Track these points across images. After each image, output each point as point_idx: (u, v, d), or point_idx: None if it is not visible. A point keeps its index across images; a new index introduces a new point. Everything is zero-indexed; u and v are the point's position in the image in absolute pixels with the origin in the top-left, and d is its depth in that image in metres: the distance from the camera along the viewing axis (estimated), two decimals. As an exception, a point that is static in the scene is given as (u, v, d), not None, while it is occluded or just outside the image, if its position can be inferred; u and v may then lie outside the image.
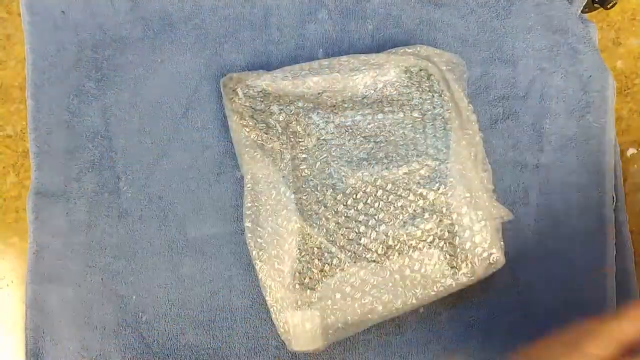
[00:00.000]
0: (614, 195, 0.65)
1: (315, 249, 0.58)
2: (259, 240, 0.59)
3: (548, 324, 0.62)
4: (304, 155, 0.60)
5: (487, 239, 0.58)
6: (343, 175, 0.59)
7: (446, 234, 0.58)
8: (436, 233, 0.58)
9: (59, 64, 0.67)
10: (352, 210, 0.58)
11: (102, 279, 0.63)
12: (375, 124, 0.61)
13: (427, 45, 0.64)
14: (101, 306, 0.63)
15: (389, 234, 0.57)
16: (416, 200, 0.58)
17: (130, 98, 0.66)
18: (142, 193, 0.65)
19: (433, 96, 0.61)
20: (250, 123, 0.61)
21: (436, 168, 0.59)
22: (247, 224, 0.60)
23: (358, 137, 0.61)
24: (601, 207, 0.64)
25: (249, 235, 0.60)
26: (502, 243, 0.59)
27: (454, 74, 0.63)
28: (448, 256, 0.57)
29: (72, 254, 0.63)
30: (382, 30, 0.68)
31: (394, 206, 0.58)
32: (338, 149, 0.60)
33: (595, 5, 0.69)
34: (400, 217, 0.58)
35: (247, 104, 0.62)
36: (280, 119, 0.61)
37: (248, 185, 0.61)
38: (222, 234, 0.64)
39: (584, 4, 0.68)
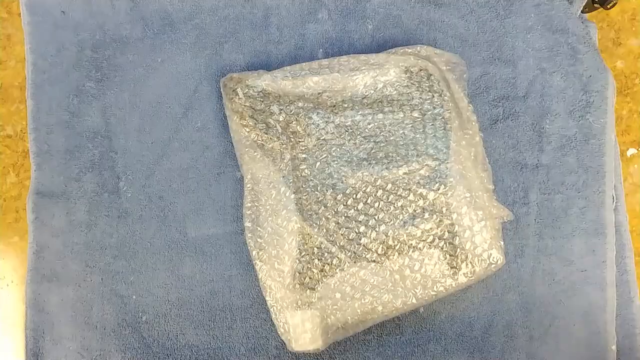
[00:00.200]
0: (614, 195, 0.65)
1: (315, 249, 0.58)
2: (259, 240, 0.59)
3: (548, 324, 0.62)
4: (304, 155, 0.60)
5: (487, 239, 0.58)
6: (343, 175, 0.59)
7: (446, 234, 0.58)
8: (436, 233, 0.58)
9: (59, 64, 0.67)
10: (352, 210, 0.58)
11: (102, 279, 0.63)
12: (375, 124, 0.61)
13: (427, 45, 0.64)
14: (101, 306, 0.63)
15: (389, 234, 0.57)
16: (416, 200, 0.58)
17: (130, 98, 0.66)
18: (142, 193, 0.65)
19: (433, 96, 0.61)
20: (250, 123, 0.61)
21: (436, 168, 0.59)
22: (247, 224, 0.60)
23: (358, 137, 0.61)
24: (601, 207, 0.64)
25: (249, 235, 0.60)
26: (502, 243, 0.59)
27: (454, 74, 0.63)
28: (448, 256, 0.57)
29: (72, 253, 0.63)
30: (382, 30, 0.68)
31: (394, 206, 0.58)
32: (338, 149, 0.60)
33: (595, 5, 0.69)
34: (400, 217, 0.58)
35: (247, 104, 0.62)
36: (280, 119, 0.61)
37: (248, 185, 0.61)
38: (222, 234, 0.64)
39: (584, 4, 0.68)
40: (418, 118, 0.61)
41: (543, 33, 0.68)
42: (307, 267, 0.58)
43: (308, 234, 0.58)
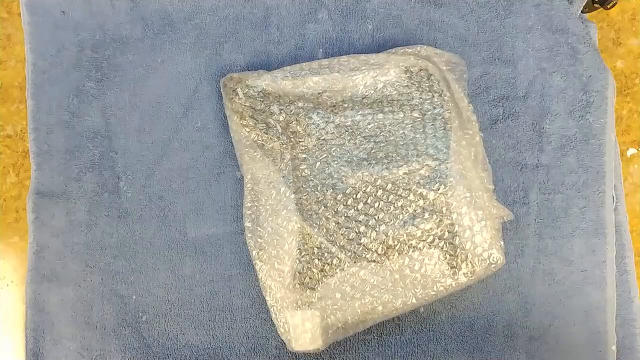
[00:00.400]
0: (614, 195, 0.65)
1: (315, 249, 0.58)
2: (259, 240, 0.59)
3: (548, 324, 0.62)
4: (304, 155, 0.60)
5: (487, 239, 0.58)
6: (343, 175, 0.59)
7: (446, 234, 0.58)
8: (436, 233, 0.58)
9: (59, 64, 0.67)
10: (352, 210, 0.58)
11: (102, 278, 0.63)
12: (375, 124, 0.61)
13: (427, 45, 0.64)
14: (101, 306, 0.63)
15: (389, 234, 0.57)
16: (416, 200, 0.58)
17: (130, 98, 0.66)
18: (142, 193, 0.65)
19: (433, 96, 0.61)
20: (250, 123, 0.61)
21: (436, 168, 0.59)
22: (247, 224, 0.60)
23: (358, 137, 0.61)
24: (601, 207, 0.64)
25: (249, 235, 0.60)
26: (502, 243, 0.59)
27: (454, 74, 0.63)
28: (448, 256, 0.57)
29: (72, 253, 0.63)
30: (382, 30, 0.68)
31: (394, 206, 0.58)
32: (338, 149, 0.60)
33: (595, 5, 0.69)
34: (400, 217, 0.58)
35: (247, 104, 0.62)
36: (280, 119, 0.61)
37: (248, 185, 0.61)
38: (222, 234, 0.64)
39: (584, 4, 0.68)
40: (418, 118, 0.61)
41: (543, 33, 0.68)
42: (307, 267, 0.58)
43: (308, 234, 0.58)
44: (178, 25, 0.68)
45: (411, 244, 0.57)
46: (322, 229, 0.58)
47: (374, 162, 0.60)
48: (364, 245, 0.58)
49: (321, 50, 0.68)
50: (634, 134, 0.71)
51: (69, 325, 0.62)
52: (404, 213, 0.58)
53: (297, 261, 0.58)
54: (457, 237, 0.57)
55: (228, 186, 0.65)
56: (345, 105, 0.62)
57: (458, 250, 0.57)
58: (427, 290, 0.57)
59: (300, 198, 0.59)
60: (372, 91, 0.62)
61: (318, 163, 0.60)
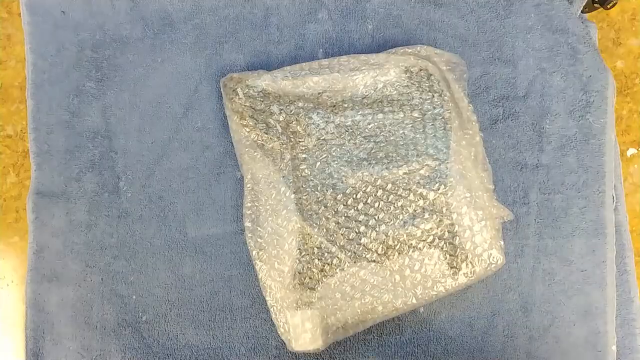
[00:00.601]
0: (614, 195, 0.65)
1: (315, 249, 0.58)
2: (259, 240, 0.59)
3: (548, 324, 0.62)
4: (304, 155, 0.60)
5: (487, 239, 0.58)
6: (343, 175, 0.59)
7: (446, 234, 0.58)
8: (436, 233, 0.58)
9: (59, 64, 0.67)
10: (352, 210, 0.58)
11: (102, 279, 0.63)
12: (375, 124, 0.61)
13: (427, 45, 0.64)
14: (101, 306, 0.63)
15: (389, 234, 0.57)
16: (416, 200, 0.58)
17: (130, 98, 0.66)
18: (142, 193, 0.65)
19: (433, 96, 0.61)
20: (250, 123, 0.61)
21: (436, 168, 0.59)
22: (247, 224, 0.60)
23: (358, 137, 0.61)
24: (601, 207, 0.64)
25: (249, 235, 0.60)
26: (502, 243, 0.59)
27: (454, 74, 0.63)
28: (448, 256, 0.57)
29: (72, 253, 0.63)
30: (382, 30, 0.68)
31: (394, 206, 0.58)
32: (338, 149, 0.60)
33: (595, 5, 0.69)
34: (401, 217, 0.58)
35: (247, 104, 0.62)
36: (280, 119, 0.61)
37: (248, 185, 0.61)
38: (222, 234, 0.64)
39: (584, 4, 0.68)
40: (418, 118, 0.61)
41: (543, 33, 0.68)
42: (307, 267, 0.58)
43: (308, 234, 0.58)
44: (178, 25, 0.68)
45: (411, 244, 0.57)
46: (322, 229, 0.58)
47: (374, 162, 0.60)
48: (364, 245, 0.58)
49: (321, 50, 0.68)
50: (634, 134, 0.71)
51: (69, 325, 0.62)
52: (404, 213, 0.58)
53: (297, 261, 0.58)
54: (457, 237, 0.57)
55: (228, 186, 0.65)
56: (345, 105, 0.62)
57: (458, 250, 0.57)
58: (427, 290, 0.57)
59: (300, 198, 0.59)
60: (372, 91, 0.62)
61: (318, 163, 0.60)
